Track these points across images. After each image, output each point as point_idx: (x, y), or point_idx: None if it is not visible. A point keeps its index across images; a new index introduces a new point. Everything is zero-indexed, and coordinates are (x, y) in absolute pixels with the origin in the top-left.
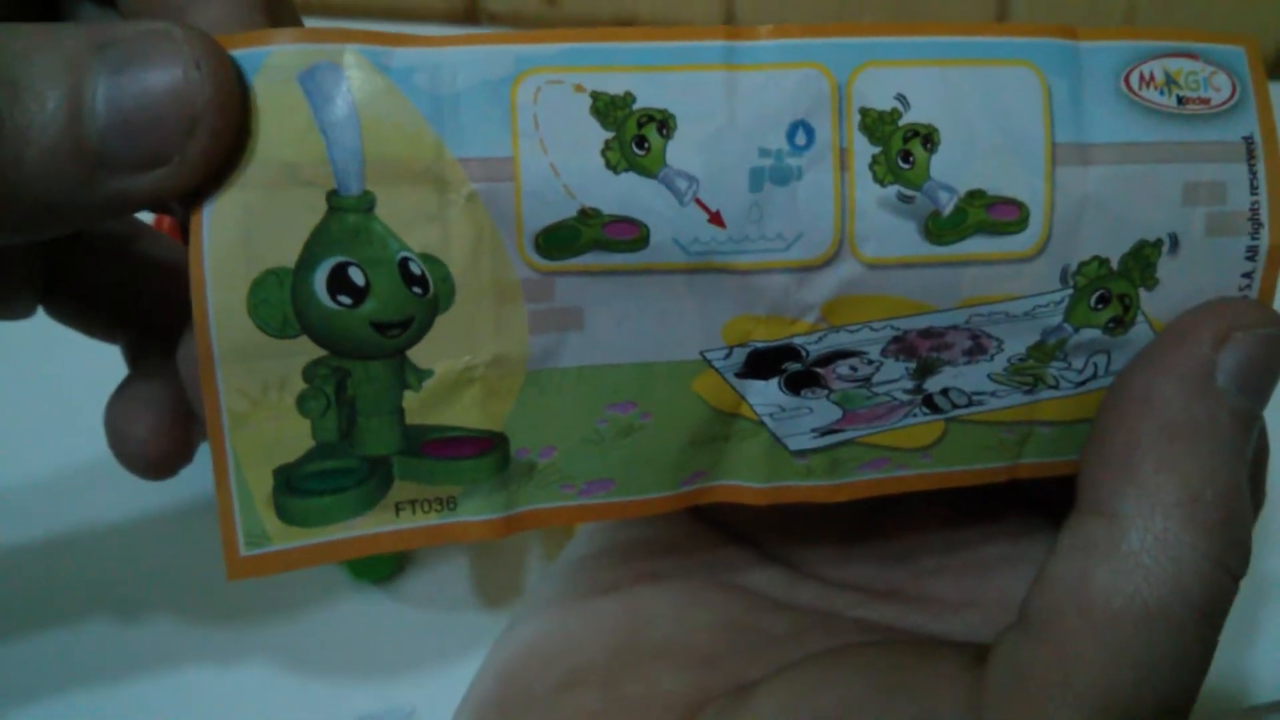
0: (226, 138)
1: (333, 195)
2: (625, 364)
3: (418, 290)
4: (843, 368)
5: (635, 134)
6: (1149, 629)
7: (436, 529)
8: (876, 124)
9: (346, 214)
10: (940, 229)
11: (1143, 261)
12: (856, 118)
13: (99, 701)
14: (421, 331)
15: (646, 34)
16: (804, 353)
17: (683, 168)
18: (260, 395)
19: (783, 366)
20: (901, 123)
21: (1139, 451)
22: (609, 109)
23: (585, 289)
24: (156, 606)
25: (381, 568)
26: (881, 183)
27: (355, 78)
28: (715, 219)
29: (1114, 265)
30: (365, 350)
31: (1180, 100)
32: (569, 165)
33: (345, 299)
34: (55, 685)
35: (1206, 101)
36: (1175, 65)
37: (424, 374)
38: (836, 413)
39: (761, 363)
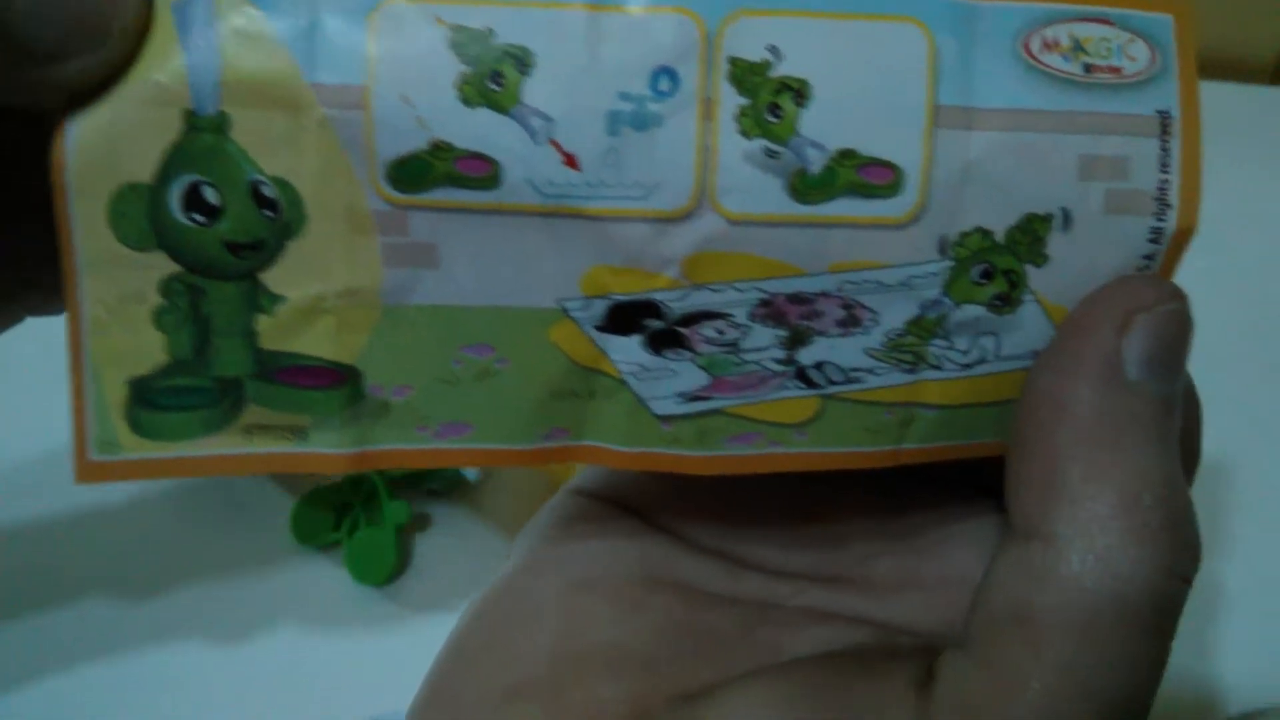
0: (136, 39)
1: (189, 115)
2: (481, 306)
3: (269, 213)
4: (708, 329)
5: (492, 69)
6: (1097, 653)
7: (286, 457)
8: (745, 75)
9: (202, 133)
10: (807, 188)
11: (1031, 236)
12: (725, 67)
13: (95, 700)
14: (273, 255)
15: None
16: (666, 310)
17: (539, 106)
18: (118, 305)
19: (644, 323)
20: (772, 75)
21: (1064, 465)
22: (467, 43)
23: (439, 225)
24: (154, 607)
25: (382, 570)
26: (747, 135)
27: (221, 1)
28: (570, 161)
29: (999, 238)
30: (218, 270)
31: (1087, 68)
32: (423, 97)
33: (199, 217)
34: (51, 684)
35: (1117, 71)
36: (1085, 30)
37: (276, 299)
38: (703, 378)
39: (621, 317)
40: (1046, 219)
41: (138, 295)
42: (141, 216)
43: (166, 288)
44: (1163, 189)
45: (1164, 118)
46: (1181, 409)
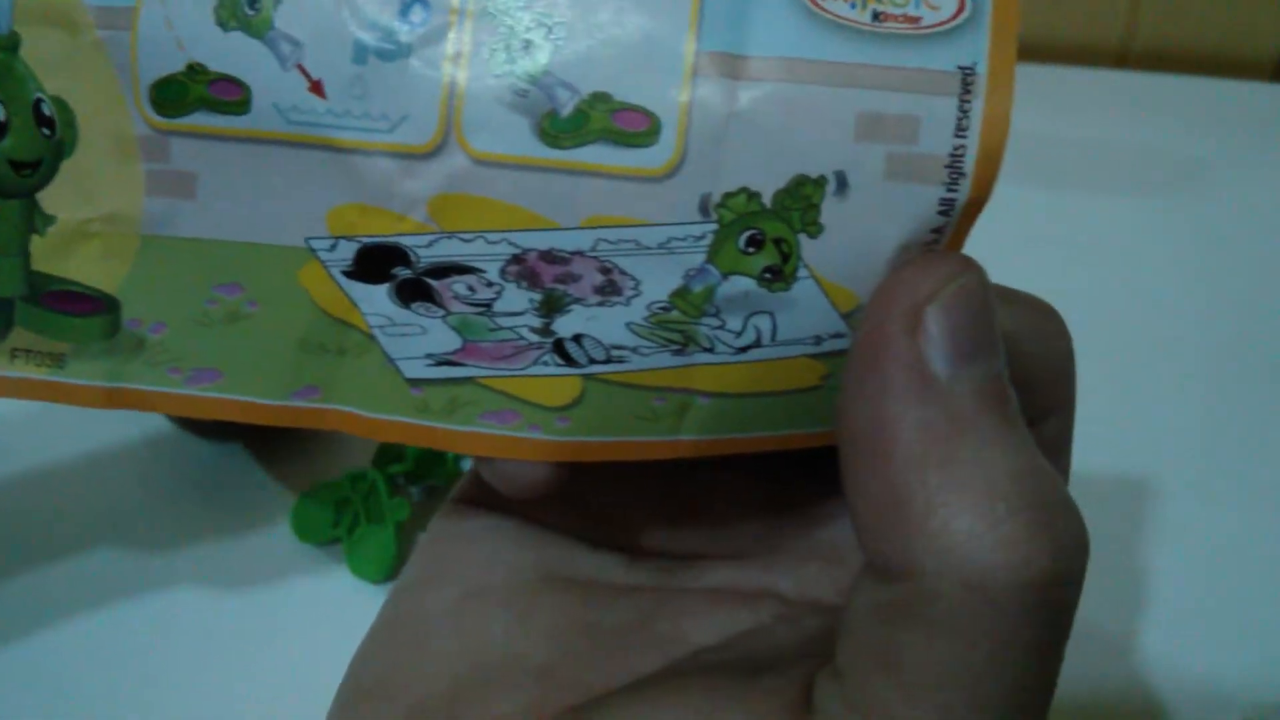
0: None
1: None
2: (234, 241)
3: (46, 132)
4: (459, 285)
5: None
6: (980, 693)
7: (44, 385)
8: (499, 8)
9: None
10: (557, 130)
11: (803, 201)
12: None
13: (94, 699)
14: (49, 175)
15: None
16: (414, 257)
17: (289, 31)
18: None
19: (392, 271)
20: (525, 9)
21: (904, 498)
22: None
23: (198, 153)
24: (154, 604)
25: (382, 567)
26: (497, 72)
27: None
28: (315, 88)
29: (766, 201)
30: (2, 187)
31: (877, 15)
32: (182, 18)
33: None
34: (50, 683)
35: (915, 20)
36: None
37: (48, 219)
38: (455, 340)
39: (370, 262)
40: (819, 183)
41: None
42: None
43: None
44: (958, 154)
45: (966, 74)
46: (1009, 384)
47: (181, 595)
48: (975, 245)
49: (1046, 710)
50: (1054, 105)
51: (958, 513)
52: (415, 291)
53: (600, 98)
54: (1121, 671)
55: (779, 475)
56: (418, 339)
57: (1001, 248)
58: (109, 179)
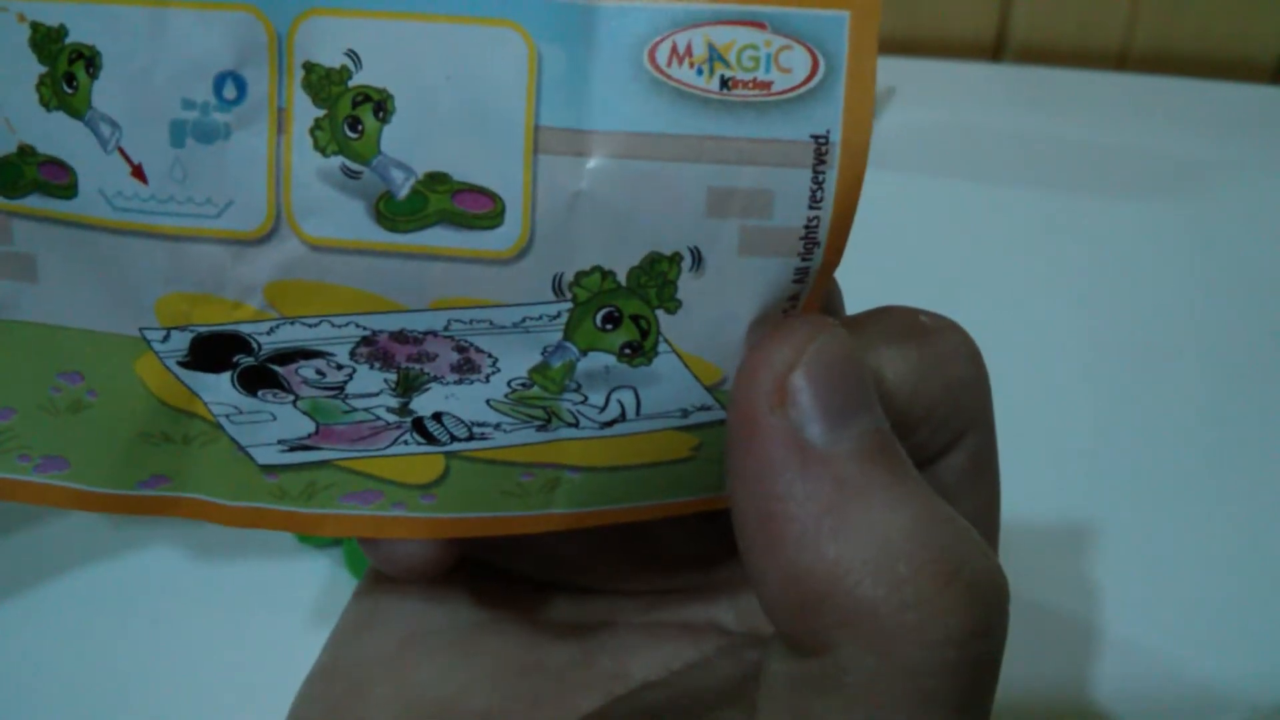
0: None
1: None
2: (73, 328)
3: None
4: (307, 369)
5: (65, 70)
6: None
7: None
8: (322, 83)
9: None
10: (395, 213)
11: (659, 278)
12: (299, 73)
13: (94, 701)
14: None
15: None
16: (255, 344)
17: (108, 111)
18: None
19: (234, 360)
20: (351, 83)
21: (804, 575)
22: (45, 41)
23: (36, 235)
24: (154, 607)
25: None
26: (324, 151)
27: None
28: (137, 172)
29: (621, 279)
30: None
31: (725, 83)
32: (8, 97)
33: None
34: (49, 686)
35: (765, 86)
36: (727, 36)
37: None
38: (308, 424)
39: (207, 351)
40: (674, 259)
41: None
42: None
43: None
44: (812, 226)
45: (820, 144)
46: (890, 436)
47: (181, 598)
48: (976, 247)
49: None
50: (1054, 108)
51: (858, 581)
52: (260, 379)
53: (438, 178)
54: (1121, 674)
55: (719, 509)
56: (267, 426)
57: (1001, 250)
58: None
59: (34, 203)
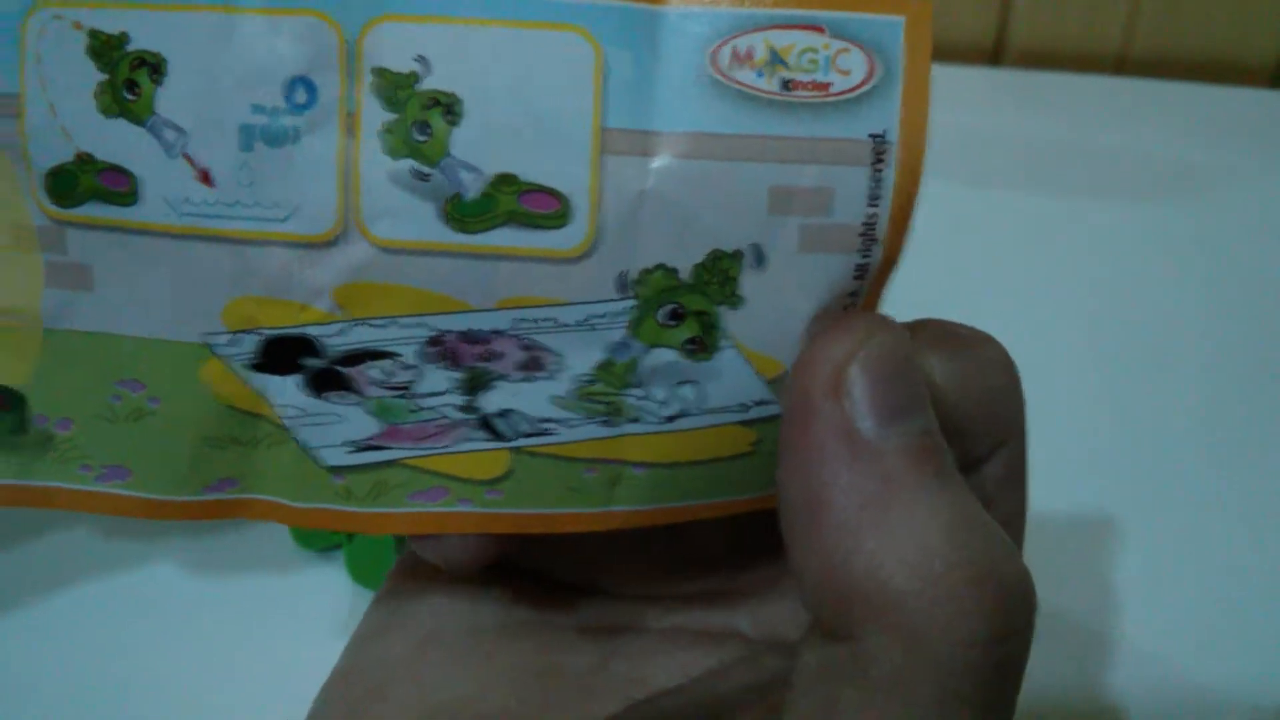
0: None
1: None
2: (132, 336)
3: None
4: (374, 370)
5: (127, 77)
6: None
7: None
8: (392, 87)
9: None
10: (464, 215)
11: (721, 275)
12: (369, 78)
13: (93, 703)
14: None
15: None
16: (323, 346)
17: (171, 117)
18: None
19: (301, 362)
20: (420, 88)
21: (841, 562)
22: (104, 49)
23: (93, 244)
24: (154, 611)
25: (383, 574)
26: (394, 154)
27: None
28: (203, 177)
29: (685, 276)
30: None
31: (786, 84)
32: (65, 106)
33: None
34: (47, 689)
35: (824, 87)
36: (786, 40)
37: None
38: (374, 425)
39: (275, 354)
40: (736, 257)
41: None
42: None
43: None
44: (870, 223)
45: (878, 142)
46: (939, 438)
47: (180, 601)
48: (975, 251)
49: None
50: (1053, 112)
51: (894, 574)
52: (328, 381)
53: (506, 179)
54: (1122, 677)
55: (739, 516)
56: (335, 427)
57: (1001, 254)
58: (9, 272)
59: (91, 211)
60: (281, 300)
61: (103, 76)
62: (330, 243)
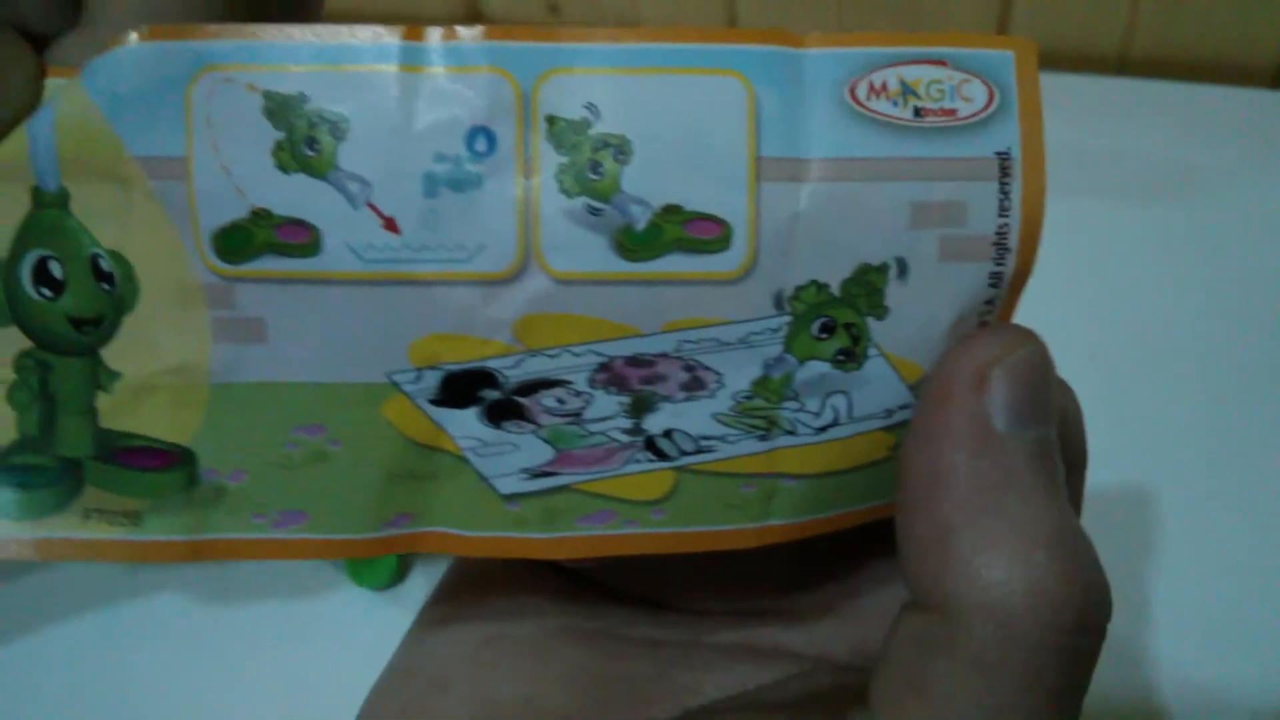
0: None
1: (35, 191)
2: (310, 383)
3: (106, 287)
4: (548, 399)
5: (306, 134)
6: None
7: (120, 545)
8: (564, 133)
9: (47, 209)
10: (634, 244)
11: (868, 287)
12: (543, 126)
13: (92, 703)
14: (112, 330)
15: (322, 33)
16: (502, 378)
17: (355, 170)
18: None
19: (480, 394)
20: (591, 132)
21: (951, 536)
22: (281, 109)
23: (265, 297)
24: (153, 611)
25: (383, 574)
26: (569, 193)
27: (53, 79)
28: (389, 224)
29: (834, 291)
30: (64, 345)
31: (918, 111)
32: (239, 165)
33: (46, 291)
34: (47, 688)
35: (952, 113)
36: (915, 74)
37: (114, 375)
38: (548, 452)
39: (456, 388)
40: (881, 269)
41: None
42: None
43: (19, 363)
44: (1002, 232)
45: (1003, 159)
46: (1058, 451)
47: (180, 602)
48: None
49: None
50: (1053, 112)
51: (999, 556)
52: (506, 411)
53: (672, 210)
54: (1122, 678)
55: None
56: (511, 455)
57: None
58: (174, 330)
59: (266, 264)
60: (465, 336)
61: (280, 135)
62: (511, 278)
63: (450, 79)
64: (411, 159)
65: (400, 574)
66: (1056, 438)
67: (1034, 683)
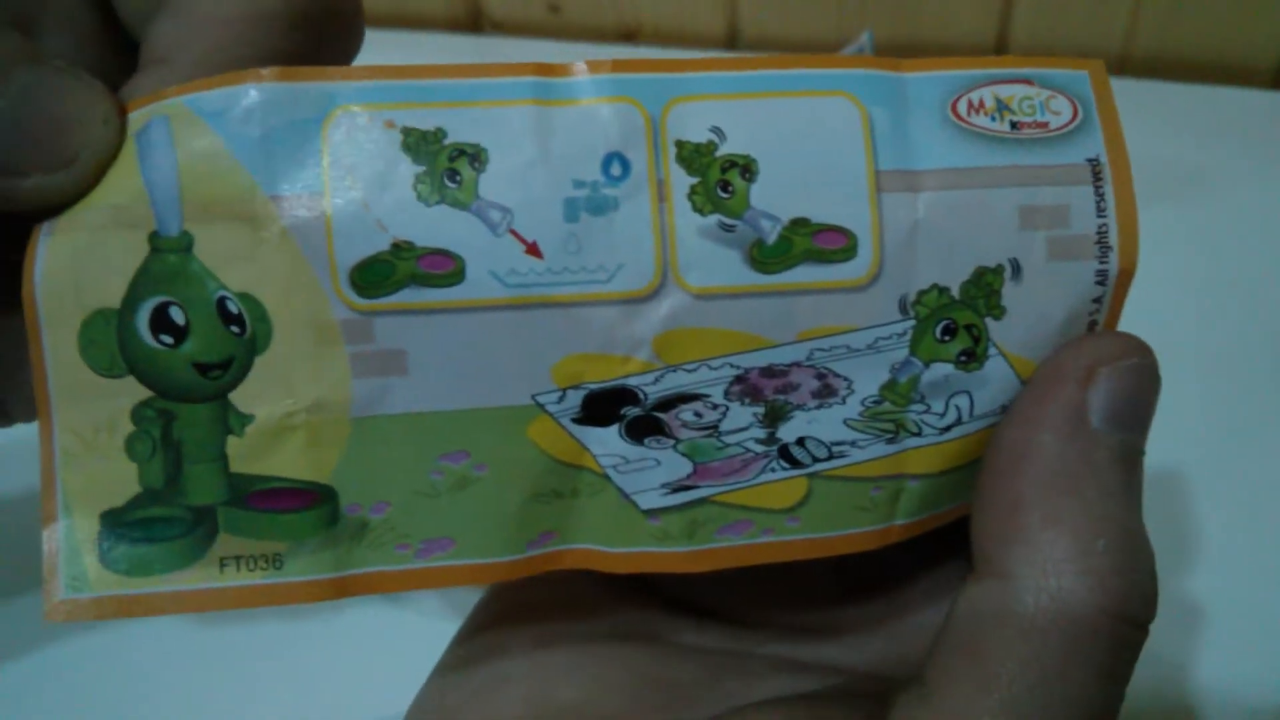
0: (101, 166)
1: (154, 236)
2: (454, 410)
3: (235, 329)
4: (686, 413)
5: (447, 167)
6: (1046, 693)
7: (262, 589)
8: (693, 156)
9: (167, 254)
10: (766, 257)
11: (985, 289)
12: (672, 150)
13: (90, 701)
14: (242, 373)
15: (457, 71)
16: (642, 395)
17: (496, 199)
18: (92, 436)
19: (621, 412)
20: (718, 154)
21: (1024, 509)
22: (419, 144)
23: (406, 329)
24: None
25: None
26: (701, 212)
27: (177, 124)
28: (532, 249)
29: (955, 294)
30: (188, 392)
31: (1014, 125)
32: (380, 200)
33: (167, 339)
34: (47, 687)
35: (1044, 125)
36: (1007, 91)
37: (245, 418)
38: (686, 465)
39: (599, 406)
40: (998, 271)
41: (110, 424)
42: (111, 342)
43: (138, 415)
44: (1102, 232)
45: (1094, 164)
46: (1143, 460)
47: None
48: None
49: None
50: None
51: (1063, 537)
52: (646, 427)
53: (800, 223)
54: None
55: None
56: (651, 471)
57: None
58: (308, 368)
59: (406, 297)
60: (607, 355)
61: (420, 168)
62: (650, 296)
63: (583, 110)
64: (551, 186)
65: None
66: (1145, 447)
67: (1080, 658)
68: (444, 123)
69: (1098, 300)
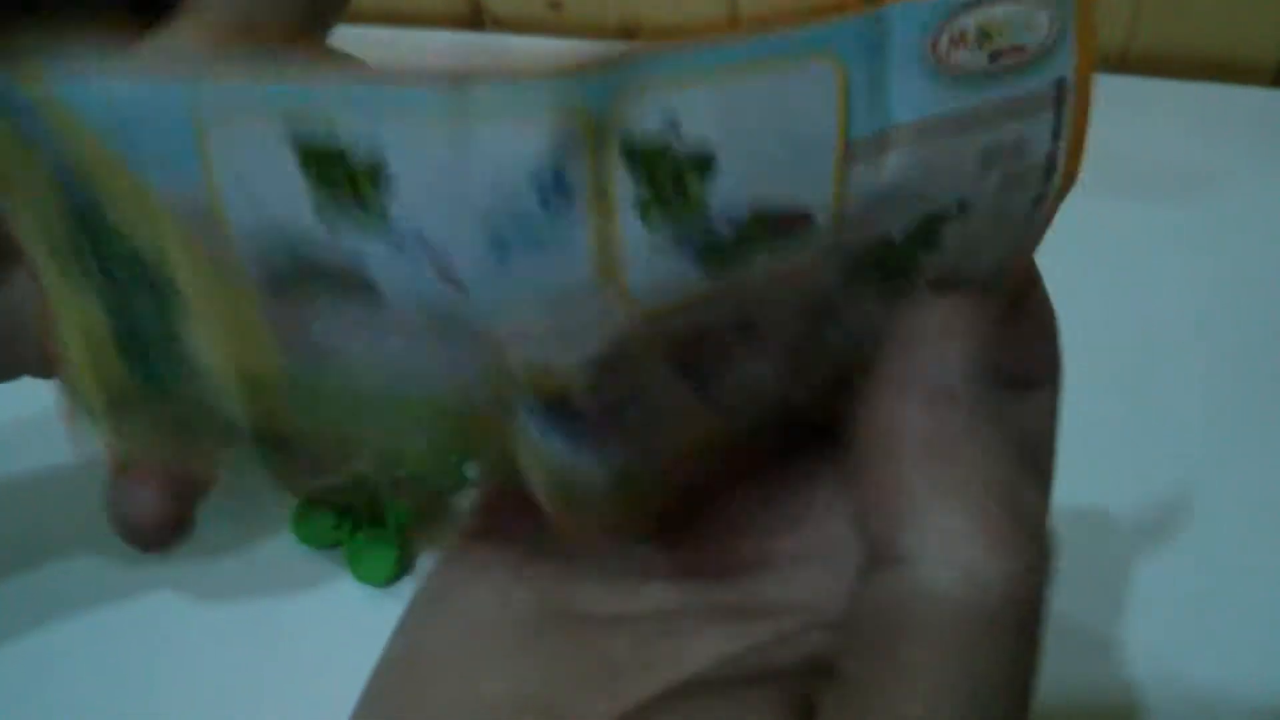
0: None
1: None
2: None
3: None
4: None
5: (351, 192)
6: (969, 668)
7: None
8: (643, 157)
9: None
10: (723, 262)
11: (927, 230)
12: (618, 156)
13: (93, 702)
14: None
15: (365, 78)
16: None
17: (411, 225)
18: None
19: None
20: (672, 153)
21: (908, 488)
22: (320, 162)
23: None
24: (155, 608)
25: (384, 570)
26: (650, 226)
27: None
28: (448, 278)
29: (896, 241)
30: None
31: (993, 56)
32: (277, 217)
33: None
34: (48, 687)
35: (1022, 50)
36: (990, 14)
37: None
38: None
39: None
40: (944, 216)
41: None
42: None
43: None
44: (1051, 157)
45: (1060, 86)
46: (1000, 405)
47: (181, 600)
48: None
49: (1034, 691)
50: None
51: (954, 508)
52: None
53: (759, 217)
54: (1121, 678)
55: (767, 485)
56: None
57: None
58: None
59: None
60: (544, 377)
61: (321, 190)
62: (591, 320)
63: (507, 124)
64: (469, 209)
65: (401, 570)
66: (1002, 396)
67: (999, 626)
68: (349, 136)
69: (1029, 218)
